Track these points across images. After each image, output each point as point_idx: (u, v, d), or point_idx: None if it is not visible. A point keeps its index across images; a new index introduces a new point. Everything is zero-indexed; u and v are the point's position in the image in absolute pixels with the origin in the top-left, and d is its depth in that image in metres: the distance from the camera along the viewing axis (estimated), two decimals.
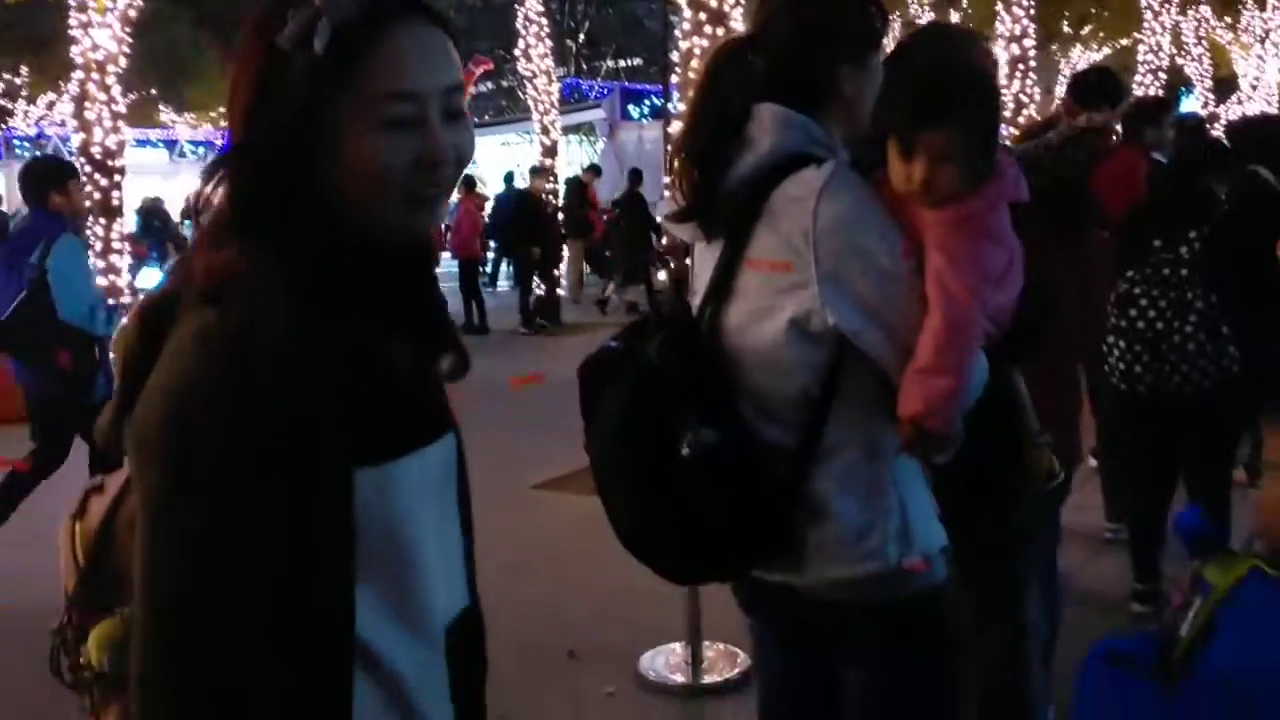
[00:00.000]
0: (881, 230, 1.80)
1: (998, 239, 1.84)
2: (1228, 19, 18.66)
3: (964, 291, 1.76)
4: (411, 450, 1.16)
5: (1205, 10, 17.43)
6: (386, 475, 1.13)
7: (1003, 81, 10.06)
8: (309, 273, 1.10)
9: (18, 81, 20.12)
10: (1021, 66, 11.13)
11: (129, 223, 11.80)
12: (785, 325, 1.80)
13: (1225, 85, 17.78)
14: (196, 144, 25.39)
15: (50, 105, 20.47)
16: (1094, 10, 18.05)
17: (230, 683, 1.03)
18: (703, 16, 6.96)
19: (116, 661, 1.18)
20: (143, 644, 1.03)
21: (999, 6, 10.99)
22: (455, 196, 5.84)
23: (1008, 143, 2.98)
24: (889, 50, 2.04)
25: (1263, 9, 17.73)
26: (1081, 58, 17.79)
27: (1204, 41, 18.07)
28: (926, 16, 16.04)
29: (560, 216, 15.18)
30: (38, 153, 18.83)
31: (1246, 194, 4.34)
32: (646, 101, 24.67)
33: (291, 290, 1.08)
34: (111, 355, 1.18)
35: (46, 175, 5.13)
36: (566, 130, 20.03)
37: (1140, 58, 15.76)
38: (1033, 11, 10.88)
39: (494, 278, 17.37)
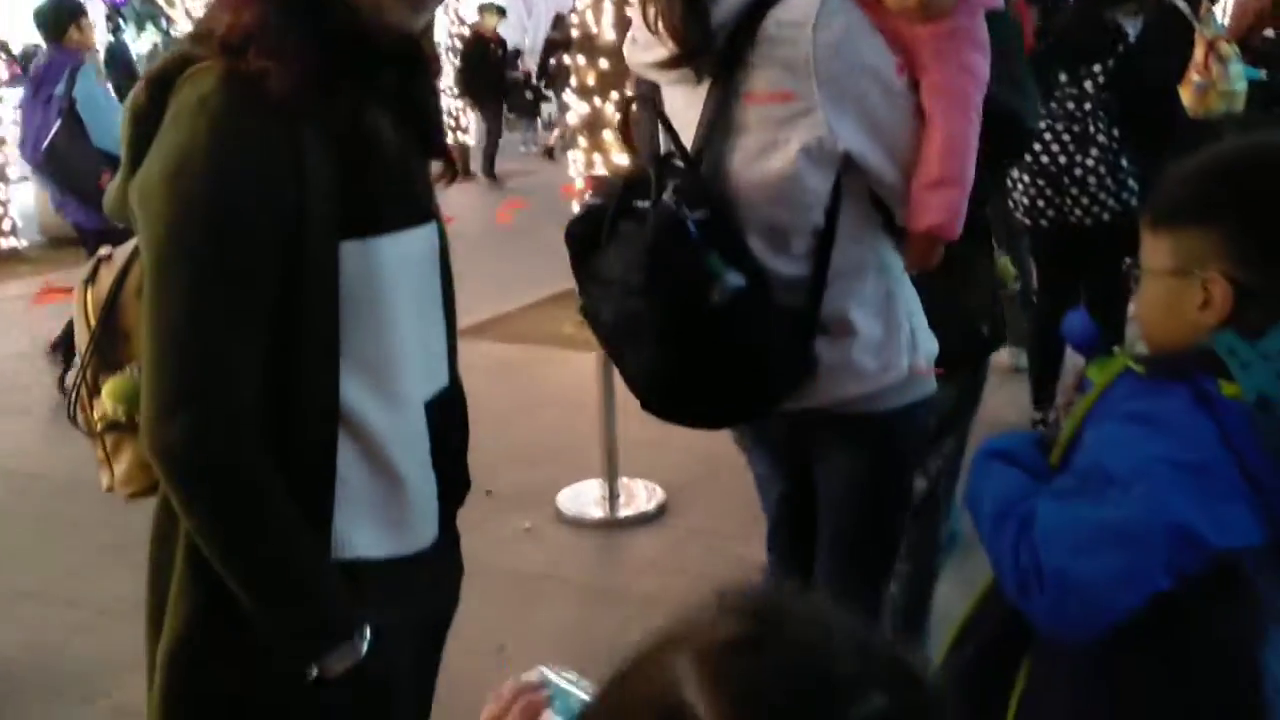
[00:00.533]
0: (877, 48, 1.84)
1: (984, 48, 1.91)
2: None
3: (964, 101, 1.87)
4: (393, 230, 1.27)
5: None
6: (369, 249, 1.24)
7: None
8: (319, 47, 1.20)
9: None
10: None
11: None
12: (795, 155, 1.81)
13: None
14: None
15: None
16: None
17: (228, 407, 1.18)
18: None
19: (128, 411, 1.31)
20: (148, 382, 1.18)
21: None
22: None
23: None
24: None
25: None
26: None
27: None
28: None
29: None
30: None
31: (1155, 24, 4.16)
32: None
33: (297, 59, 1.18)
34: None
35: (62, 12, 5.34)
36: None
37: None
38: None
39: None
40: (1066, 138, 4.08)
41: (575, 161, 6.11)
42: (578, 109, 5.97)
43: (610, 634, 3.08)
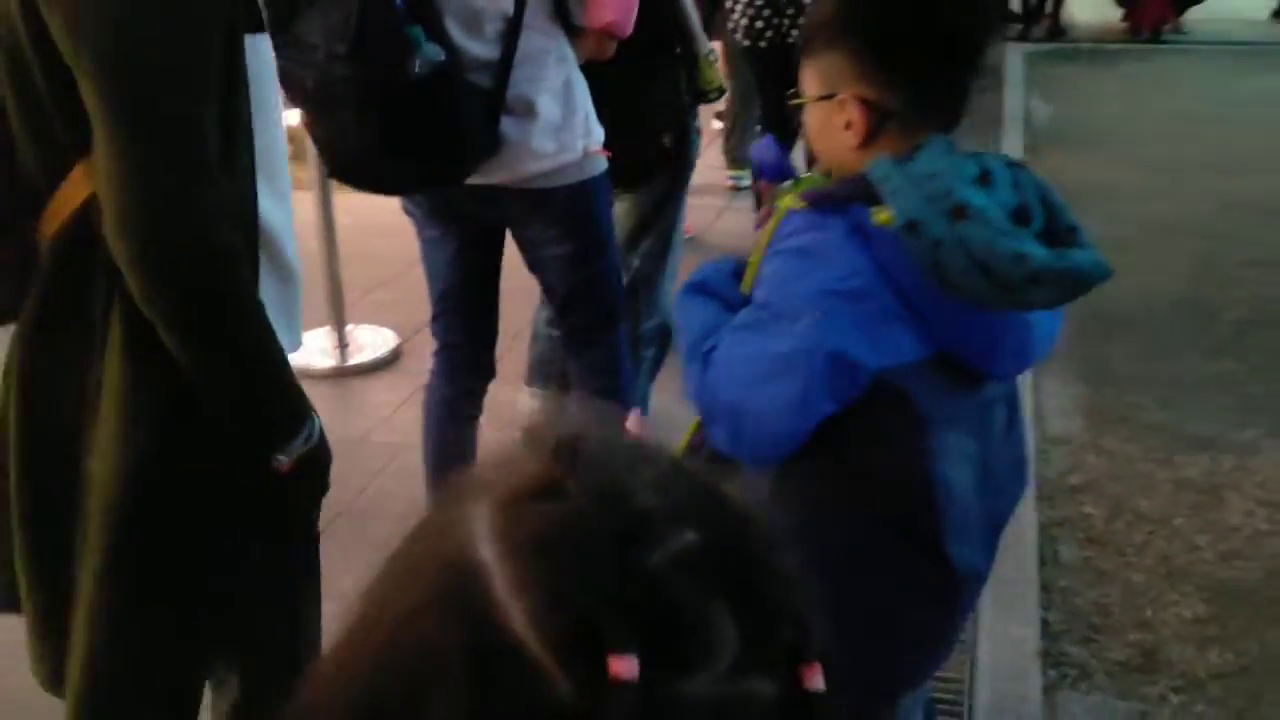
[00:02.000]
0: None
1: None
2: None
3: None
4: (260, 31, 1.29)
5: None
6: (255, 44, 1.26)
7: None
8: None
9: None
10: None
11: None
12: None
13: None
14: None
15: None
16: None
17: (219, 198, 1.18)
18: None
19: None
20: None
21: None
22: None
23: None
24: None
25: None
26: None
27: None
28: None
29: None
30: None
31: None
32: None
33: None
34: None
35: None
36: None
37: None
38: None
39: None
40: None
41: None
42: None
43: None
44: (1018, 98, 7.49)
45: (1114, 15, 9.75)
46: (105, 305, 1.23)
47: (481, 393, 2.50)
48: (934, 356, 1.27)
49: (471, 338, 2.45)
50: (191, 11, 1.17)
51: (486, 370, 2.49)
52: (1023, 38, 9.48)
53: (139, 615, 1.29)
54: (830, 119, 1.30)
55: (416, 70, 1.90)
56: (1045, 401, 3.46)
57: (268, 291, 1.29)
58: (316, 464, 1.35)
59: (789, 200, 1.35)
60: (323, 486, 1.40)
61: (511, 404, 3.04)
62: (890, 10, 1.28)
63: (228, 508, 1.31)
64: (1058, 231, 1.26)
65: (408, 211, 2.38)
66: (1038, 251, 1.19)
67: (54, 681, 1.35)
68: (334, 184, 3.68)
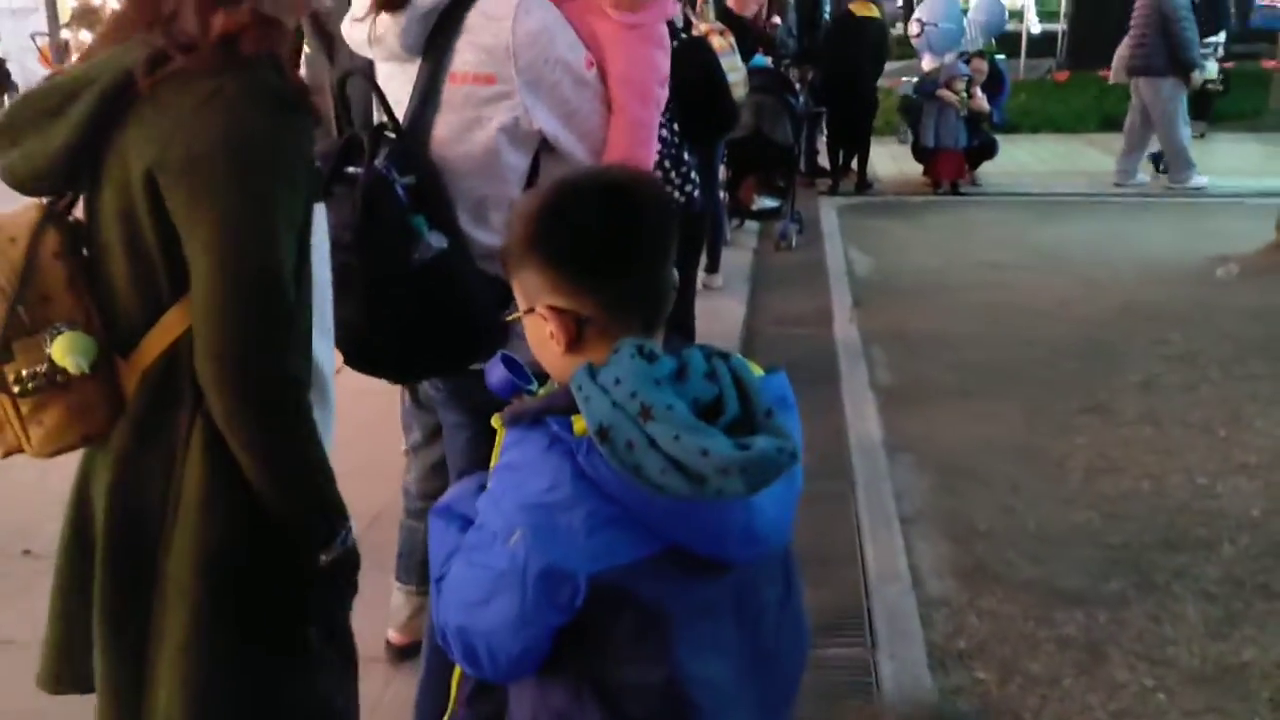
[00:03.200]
0: (570, 43, 2.09)
1: (665, 47, 2.24)
2: None
3: (645, 91, 2.17)
4: (320, 200, 1.55)
5: None
6: (316, 211, 1.53)
7: None
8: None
9: None
10: None
11: None
12: (495, 133, 2.04)
13: None
14: None
15: None
16: None
17: (298, 335, 1.47)
18: None
19: (92, 363, 1.47)
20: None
21: None
22: None
23: None
24: None
25: None
26: None
27: None
28: None
29: None
30: None
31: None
32: None
33: (274, 61, 1.45)
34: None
35: None
36: None
37: None
38: None
39: None
40: None
41: None
42: None
43: None
44: (838, 250, 7.82)
45: (914, 170, 10.38)
46: (189, 426, 1.48)
47: None
48: (662, 552, 1.29)
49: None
50: (286, 199, 1.44)
51: None
52: (833, 191, 9.98)
53: (213, 689, 1.52)
54: (539, 331, 1.38)
55: (418, 258, 1.94)
56: (918, 562, 3.49)
57: (315, 410, 1.52)
58: (349, 564, 1.61)
59: (495, 420, 1.43)
60: (354, 586, 1.64)
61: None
62: (559, 231, 1.35)
63: (286, 599, 1.56)
64: (755, 417, 1.30)
65: (422, 398, 2.46)
66: (722, 445, 1.23)
67: None
68: None
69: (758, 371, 1.39)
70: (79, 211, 1.56)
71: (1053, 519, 3.78)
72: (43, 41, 15.75)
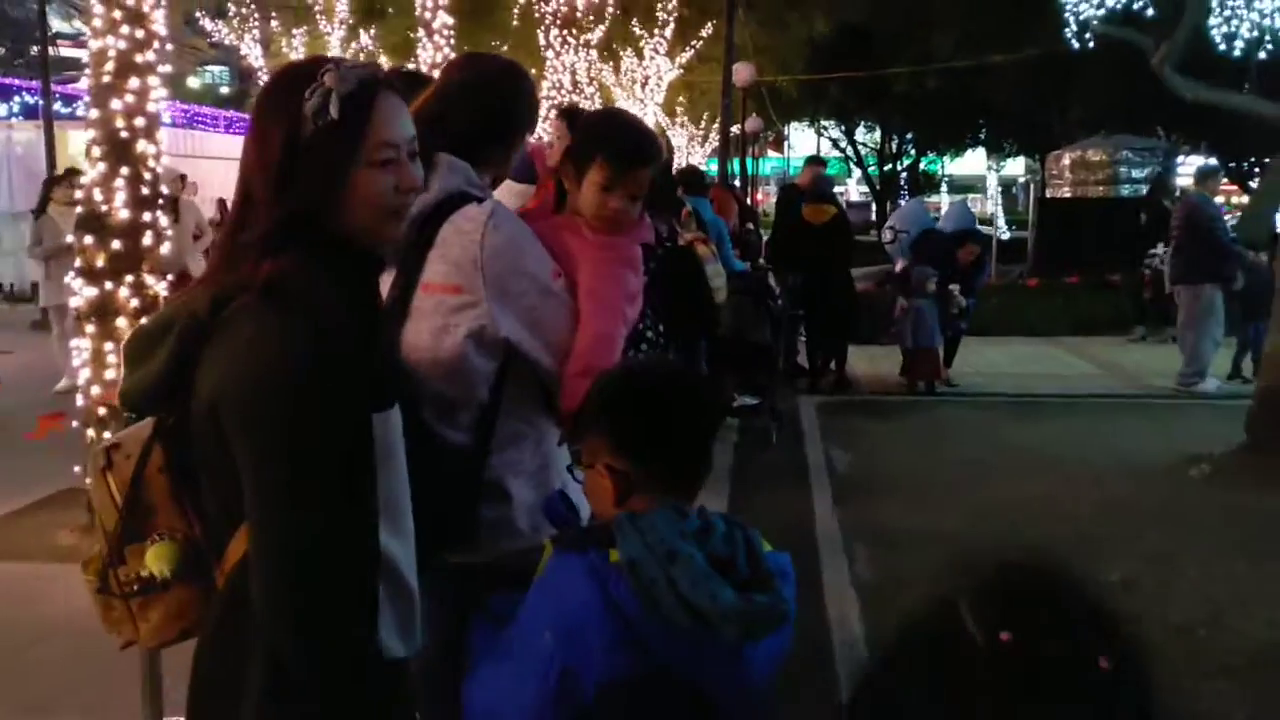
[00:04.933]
0: (538, 256, 2.21)
1: (635, 266, 2.35)
2: (611, 64, 21.89)
3: (612, 306, 2.26)
4: (389, 407, 1.67)
5: (594, 54, 18.80)
6: (384, 419, 1.64)
7: None
8: (335, 277, 1.59)
9: None
10: None
11: None
12: (462, 339, 2.13)
13: None
14: None
15: None
16: (501, 45, 17.79)
17: (335, 566, 1.51)
18: (117, 14, 5.23)
19: (176, 570, 1.63)
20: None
21: (420, 33, 9.92)
22: None
23: None
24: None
25: (640, 58, 22.09)
26: None
27: (595, 82, 20.16)
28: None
29: None
30: None
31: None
32: (17, 98, 21.33)
33: (328, 291, 1.56)
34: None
35: None
36: None
37: (545, 93, 15.25)
38: (453, 41, 9.76)
39: None
40: None
41: (81, 351, 5.44)
42: (85, 293, 5.33)
43: None
44: (817, 448, 7.92)
45: (889, 369, 10.60)
46: (257, 627, 1.55)
47: None
48: (657, 672, 1.57)
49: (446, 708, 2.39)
50: (323, 437, 1.51)
51: None
52: (812, 390, 10.15)
53: None
54: (597, 482, 1.74)
55: None
56: None
57: (384, 607, 1.62)
58: None
59: (547, 545, 1.80)
60: None
61: None
62: (625, 411, 1.75)
63: None
64: (762, 579, 1.62)
65: None
66: (727, 595, 1.54)
67: None
68: None
69: (768, 547, 1.71)
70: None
71: None
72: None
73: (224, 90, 36.17)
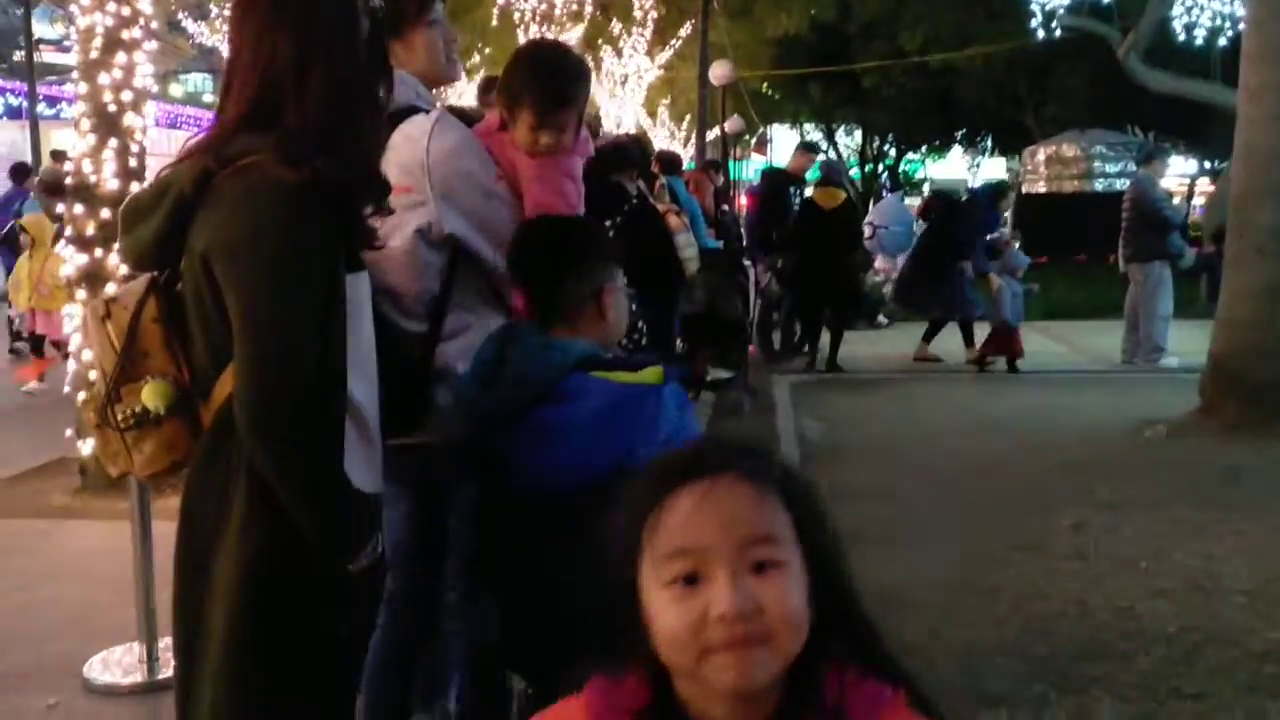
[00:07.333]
0: (481, 160, 2.44)
1: (576, 180, 2.58)
2: (592, 60, 18.80)
3: (558, 213, 2.46)
4: (361, 269, 1.89)
5: None
6: (354, 280, 1.85)
7: None
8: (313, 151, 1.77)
9: None
10: None
11: None
12: (412, 234, 2.35)
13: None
14: None
15: None
16: (479, 45, 19.00)
17: (326, 378, 1.75)
18: None
19: (169, 407, 1.84)
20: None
21: None
22: None
23: None
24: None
25: (620, 56, 21.28)
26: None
27: None
28: None
29: None
30: None
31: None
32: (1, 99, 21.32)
33: (307, 161, 1.74)
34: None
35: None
36: None
37: None
38: None
39: None
40: None
41: (73, 317, 5.64)
42: (75, 260, 5.52)
43: None
44: (789, 419, 8.11)
45: (863, 349, 10.83)
46: (240, 456, 1.78)
47: (423, 644, 2.59)
48: None
49: (419, 586, 2.55)
50: (306, 281, 1.75)
51: (428, 618, 2.58)
52: (811, 367, 10.32)
53: (250, 680, 1.80)
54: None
55: None
56: None
57: (354, 447, 1.83)
58: (378, 571, 1.93)
59: (656, 371, 2.08)
60: (380, 594, 2.01)
61: None
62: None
63: (316, 604, 1.83)
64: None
65: None
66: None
67: None
68: (152, 510, 3.72)
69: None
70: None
71: (981, 637, 3.98)
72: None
73: (206, 99, 36.36)
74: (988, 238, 10.57)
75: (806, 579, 1.08)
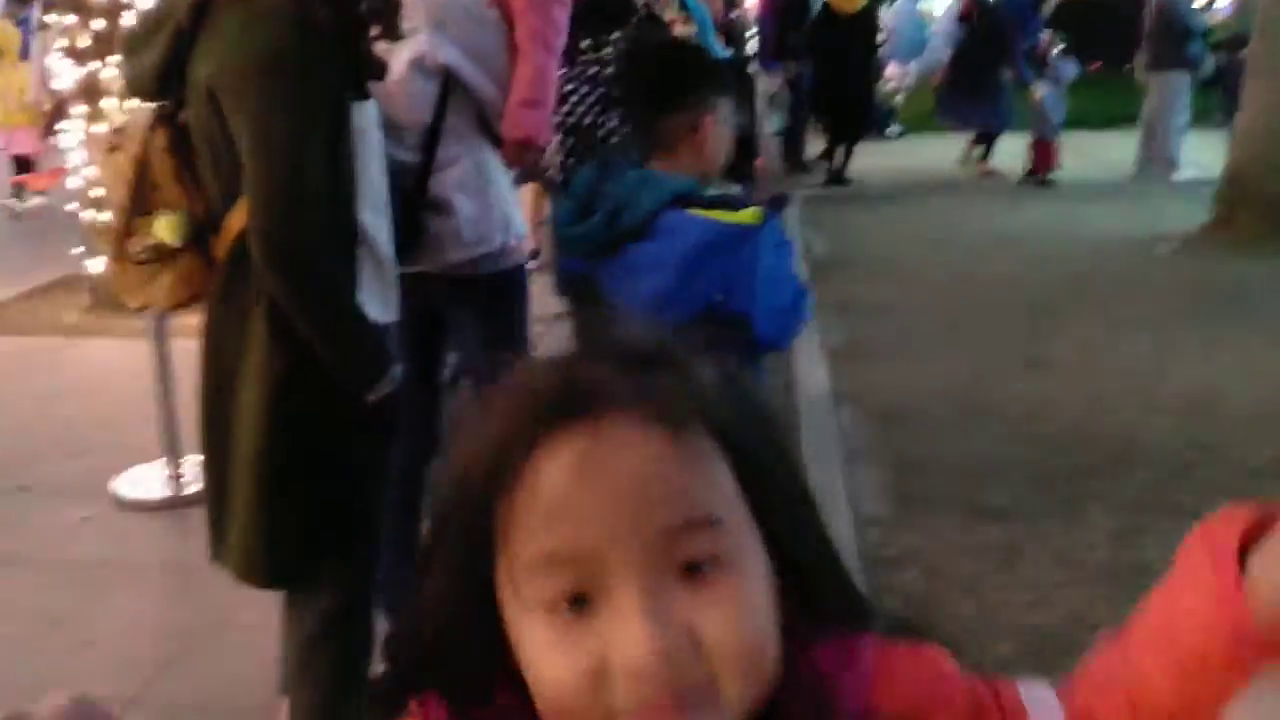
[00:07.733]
0: None
1: (564, 4, 2.64)
2: None
3: (547, 43, 2.57)
4: (366, 98, 1.91)
5: None
6: (361, 108, 1.88)
7: None
8: None
9: None
10: None
11: None
12: (405, 64, 2.40)
13: None
14: None
15: None
16: None
17: (327, 207, 1.79)
18: None
19: (183, 238, 1.88)
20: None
21: None
22: None
23: None
24: None
25: None
26: None
27: None
28: None
29: None
30: None
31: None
32: None
33: None
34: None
35: None
36: None
37: None
38: None
39: None
40: (592, 99, 4.37)
41: (69, 133, 5.55)
42: (71, 75, 5.40)
43: (198, 613, 2.96)
44: (795, 233, 8.09)
45: (875, 162, 10.67)
46: (260, 287, 1.81)
47: (420, 475, 2.62)
48: None
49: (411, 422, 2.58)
50: (310, 105, 1.77)
51: (425, 454, 2.60)
52: (830, 181, 10.24)
53: (275, 501, 1.88)
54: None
55: None
56: (855, 489, 3.77)
57: (368, 274, 1.88)
58: (393, 399, 1.95)
59: (755, 211, 2.02)
60: (395, 423, 2.01)
61: None
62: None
63: (336, 422, 1.89)
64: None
65: None
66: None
67: (217, 554, 1.97)
68: (169, 326, 3.75)
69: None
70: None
71: (984, 452, 4.07)
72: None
73: None
74: (1026, 45, 10.27)
75: (764, 553, 0.64)
